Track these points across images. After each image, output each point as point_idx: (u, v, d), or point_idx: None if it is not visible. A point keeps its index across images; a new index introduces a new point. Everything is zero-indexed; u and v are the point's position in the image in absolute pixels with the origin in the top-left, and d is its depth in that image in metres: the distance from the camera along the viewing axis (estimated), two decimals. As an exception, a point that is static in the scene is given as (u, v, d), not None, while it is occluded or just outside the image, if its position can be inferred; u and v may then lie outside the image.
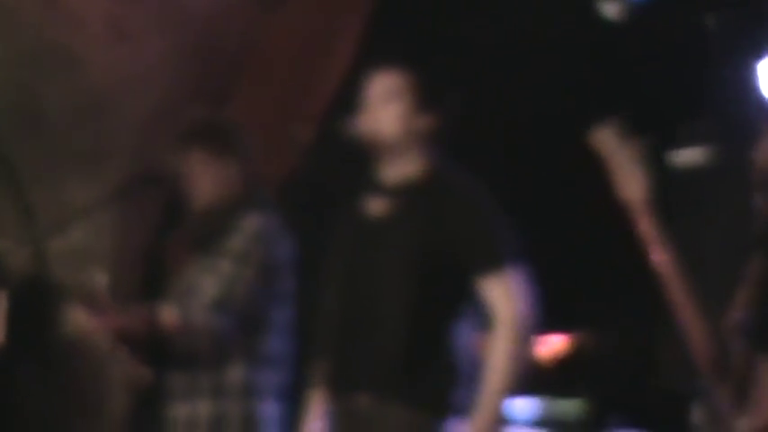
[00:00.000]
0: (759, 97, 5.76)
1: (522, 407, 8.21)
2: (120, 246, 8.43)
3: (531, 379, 6.80)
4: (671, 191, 8.12)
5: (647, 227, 5.02)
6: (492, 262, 5.45)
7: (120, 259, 8.37)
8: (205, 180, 6.65)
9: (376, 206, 5.74)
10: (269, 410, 6.55)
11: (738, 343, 5.01)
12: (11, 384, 7.99)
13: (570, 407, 8.28)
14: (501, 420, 5.51)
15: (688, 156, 6.37)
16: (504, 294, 5.41)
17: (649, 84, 8.54)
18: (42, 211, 8.58)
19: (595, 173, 5.49)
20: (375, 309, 5.56)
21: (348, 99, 6.19)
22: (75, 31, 8.34)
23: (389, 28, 8.19)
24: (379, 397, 5.50)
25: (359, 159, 5.95)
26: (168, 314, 6.21)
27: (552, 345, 8.72)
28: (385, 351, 5.47)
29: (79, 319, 8.47)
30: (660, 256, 4.99)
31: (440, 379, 5.52)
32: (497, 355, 5.37)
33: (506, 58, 8.93)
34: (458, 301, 5.56)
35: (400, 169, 5.69)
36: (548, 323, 7.66)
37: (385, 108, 5.62)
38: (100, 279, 6.61)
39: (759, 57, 5.88)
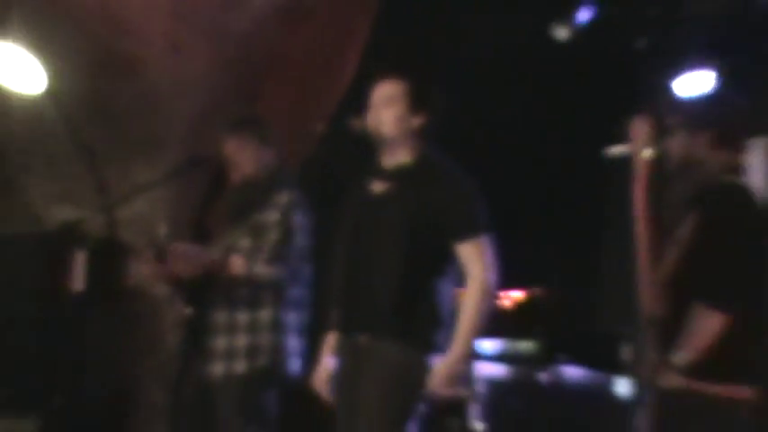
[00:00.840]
0: (675, 104, 5.78)
1: (489, 345, 8.26)
2: (174, 214, 8.34)
3: (496, 324, 6.89)
4: (606, 175, 8.30)
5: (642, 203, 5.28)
6: (467, 231, 5.58)
7: (174, 225, 8.04)
8: (243, 161, 6.74)
9: (377, 186, 5.83)
10: (292, 344, 6.59)
11: (670, 291, 5.09)
12: (87, 324, 7.84)
13: (526, 346, 8.26)
14: (471, 355, 5.62)
15: (618, 149, 6.35)
16: (476, 257, 5.54)
17: (590, 92, 8.54)
18: (113, 187, 8.44)
19: (548, 166, 5.53)
20: (373, 266, 5.67)
21: (353, 100, 6.22)
22: (139, 44, 8.27)
23: (387, 43, 8.15)
24: (375, 336, 5.61)
25: (361, 150, 6.00)
26: (239, 262, 6.36)
27: (512, 297, 8.71)
28: (380, 300, 5.57)
29: (141, 272, 8.65)
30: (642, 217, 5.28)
31: (424, 322, 5.60)
32: (469, 304, 5.52)
33: (477, 72, 8.87)
34: (440, 261, 5.64)
35: (397, 157, 5.78)
36: (510, 280, 7.72)
37: (386, 110, 5.71)
38: (164, 232, 6.59)
39: (677, 72, 5.89)
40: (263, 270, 6.43)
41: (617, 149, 5.67)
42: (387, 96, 5.77)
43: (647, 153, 5.38)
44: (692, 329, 4.97)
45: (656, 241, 5.26)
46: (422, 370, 5.58)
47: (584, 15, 8.53)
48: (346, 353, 5.85)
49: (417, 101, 5.77)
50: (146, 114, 8.69)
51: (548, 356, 8.00)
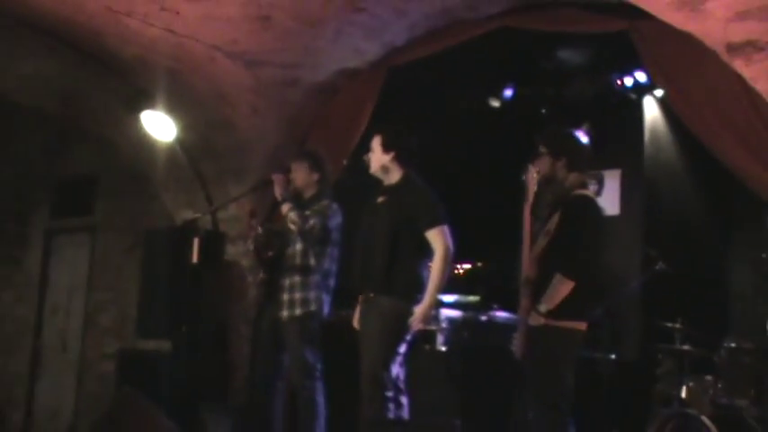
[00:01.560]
0: (542, 137, 6.09)
1: (448, 298, 8.12)
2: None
3: (453, 284, 7.17)
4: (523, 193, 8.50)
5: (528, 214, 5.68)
6: (432, 222, 6.05)
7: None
8: (300, 179, 6.95)
9: (380, 198, 6.30)
10: (326, 298, 6.83)
11: (540, 263, 5.62)
12: (201, 284, 8.13)
13: (472, 298, 8.27)
14: (437, 304, 6.16)
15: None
16: (440, 239, 6.02)
17: (511, 137, 8.72)
18: (215, 197, 8.88)
19: (485, 185, 5.85)
20: (375, 249, 6.14)
21: (365, 145, 6.67)
22: (233, 109, 8.42)
23: (385, 109, 8.14)
24: (376, 292, 6.11)
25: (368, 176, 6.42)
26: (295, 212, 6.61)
27: (464, 267, 8.71)
28: (378, 270, 6.08)
29: (231, 251, 8.91)
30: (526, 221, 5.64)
31: (407, 283, 6.05)
32: (435, 271, 6.00)
33: (443, 126, 8.99)
34: (416, 243, 6.05)
35: (390, 179, 6.29)
36: (462, 257, 8.01)
37: (372, 154, 6.32)
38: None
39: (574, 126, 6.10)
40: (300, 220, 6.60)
41: (527, 176, 6.05)
42: (372, 146, 6.34)
43: (534, 188, 5.75)
44: (551, 290, 5.44)
45: (532, 233, 5.70)
46: (406, 314, 5.98)
47: (508, 92, 8.92)
48: (362, 303, 6.27)
49: (386, 145, 6.26)
50: (237, 153, 8.71)
51: (486, 305, 8.09)
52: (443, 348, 7.83)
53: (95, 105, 9.31)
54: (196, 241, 7.79)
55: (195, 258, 7.82)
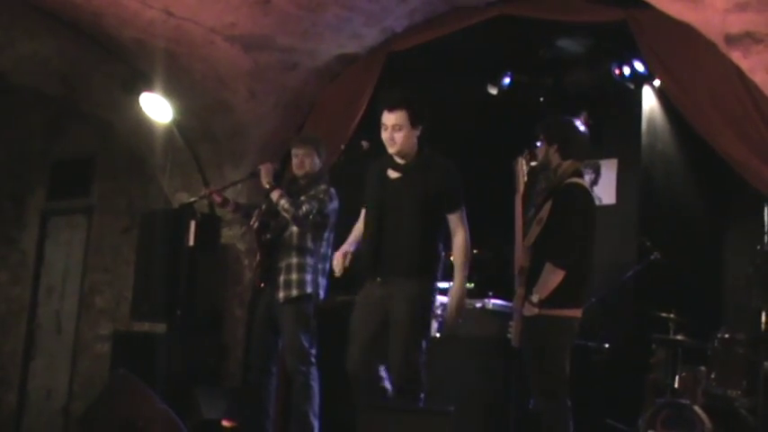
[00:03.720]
0: (539, 125, 6.08)
1: (445, 284, 8.26)
2: (249, 197, 8.34)
3: (447, 271, 7.08)
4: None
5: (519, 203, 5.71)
6: (455, 206, 5.77)
7: (250, 204, 7.98)
8: (308, 164, 6.94)
9: (392, 174, 5.86)
10: (322, 281, 6.83)
11: (533, 252, 5.68)
12: (196, 267, 8.15)
13: (468, 284, 8.27)
14: (465, 293, 5.81)
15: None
16: (459, 223, 5.75)
17: (509, 125, 8.80)
18: (212, 181, 8.79)
19: (483, 173, 5.86)
20: (401, 229, 5.73)
21: (361, 130, 6.75)
22: (231, 93, 8.41)
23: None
24: (403, 275, 5.68)
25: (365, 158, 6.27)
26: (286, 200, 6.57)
27: None
28: (407, 250, 5.69)
29: (228, 235, 8.94)
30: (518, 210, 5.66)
31: (432, 262, 5.79)
32: (460, 255, 5.75)
33: (444, 112, 8.90)
34: (440, 224, 5.77)
35: (407, 156, 5.80)
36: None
37: (397, 132, 5.72)
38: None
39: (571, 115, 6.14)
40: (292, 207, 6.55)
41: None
42: (396, 123, 5.72)
43: (524, 178, 5.83)
44: (542, 279, 5.52)
45: (525, 221, 5.77)
46: (432, 293, 5.82)
47: (506, 80, 8.90)
48: (380, 287, 5.79)
49: (416, 120, 5.74)
50: (234, 136, 8.72)
51: (481, 292, 8.01)
52: (438, 335, 7.62)
53: (93, 87, 9.31)
54: (192, 224, 7.78)
55: (191, 241, 7.80)
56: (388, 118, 5.78)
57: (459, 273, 5.79)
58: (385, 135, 5.81)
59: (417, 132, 5.80)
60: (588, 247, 5.72)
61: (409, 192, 5.79)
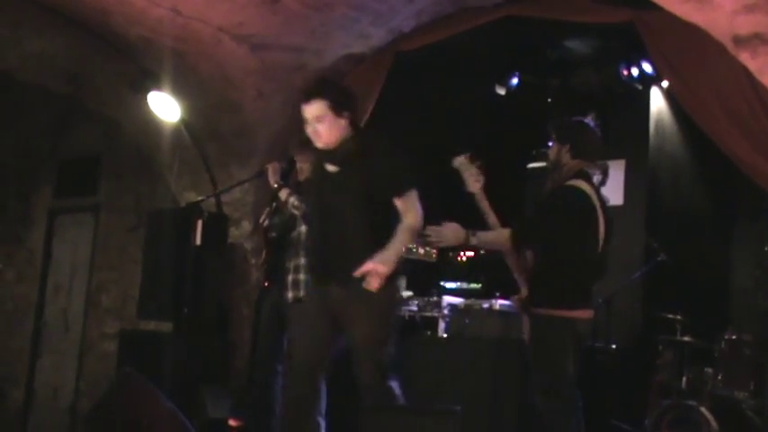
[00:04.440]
0: (551, 124, 6.11)
1: (451, 285, 8.32)
2: (257, 198, 8.58)
3: (454, 271, 7.06)
4: (529, 181, 8.48)
5: (482, 201, 5.68)
6: (399, 189, 5.22)
7: (257, 202, 8.56)
8: (302, 171, 6.77)
9: (331, 167, 5.41)
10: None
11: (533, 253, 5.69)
12: (203, 266, 8.16)
13: (474, 285, 8.41)
14: (396, 260, 5.15)
15: (536, 164, 6.56)
16: (409, 206, 5.19)
17: (516, 125, 8.86)
18: (219, 181, 8.87)
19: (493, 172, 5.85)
20: (347, 226, 5.29)
21: (370, 127, 6.67)
22: (239, 92, 8.41)
23: (391, 94, 8.12)
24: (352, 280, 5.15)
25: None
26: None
27: (467, 254, 8.59)
28: (357, 248, 5.17)
29: (235, 234, 8.93)
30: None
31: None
32: (400, 235, 5.12)
33: (455, 111, 9.10)
34: (389, 213, 5.22)
35: (340, 145, 5.33)
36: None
37: (320, 124, 5.29)
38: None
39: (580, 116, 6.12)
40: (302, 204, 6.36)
41: (533, 165, 6.10)
42: (316, 114, 5.30)
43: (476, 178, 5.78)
44: (497, 233, 5.64)
45: None
46: (392, 289, 5.35)
47: (513, 81, 8.93)
48: (335, 291, 5.37)
49: (338, 108, 5.29)
50: (241, 135, 8.71)
51: (487, 292, 8.08)
52: (445, 335, 7.85)
53: (101, 85, 9.32)
54: (199, 223, 7.82)
55: (198, 240, 7.84)
56: (307, 111, 5.38)
57: (391, 246, 5.17)
58: (309, 130, 5.41)
59: (344, 120, 5.34)
60: (584, 249, 5.64)
61: (349, 184, 5.34)
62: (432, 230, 5.56)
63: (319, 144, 5.41)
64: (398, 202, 5.24)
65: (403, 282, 8.87)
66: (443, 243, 5.68)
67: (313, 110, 5.34)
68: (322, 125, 5.32)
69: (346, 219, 5.31)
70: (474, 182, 5.71)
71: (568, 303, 5.58)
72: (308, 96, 5.38)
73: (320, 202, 5.48)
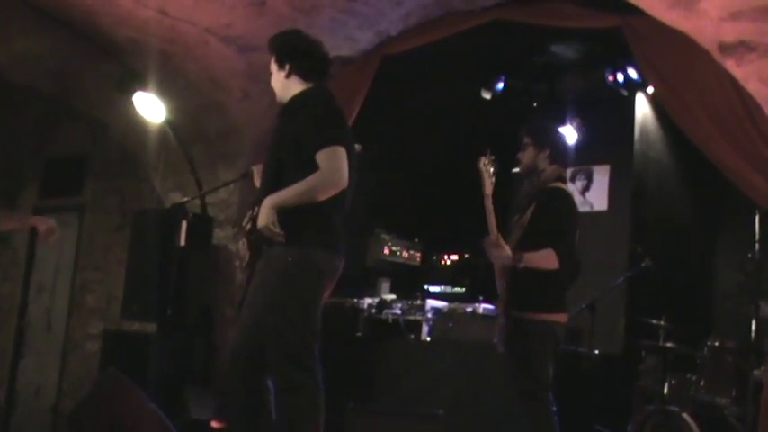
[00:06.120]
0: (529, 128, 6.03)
1: (435, 288, 8.32)
2: (242, 198, 8.54)
3: (439, 275, 7.03)
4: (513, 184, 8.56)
5: (489, 204, 5.61)
6: (316, 144, 4.77)
7: (242, 204, 8.50)
8: None
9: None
10: None
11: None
12: (187, 267, 8.20)
13: (458, 289, 8.47)
14: (287, 201, 4.77)
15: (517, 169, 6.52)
16: (323, 161, 4.75)
17: (502, 128, 8.80)
18: (205, 182, 8.81)
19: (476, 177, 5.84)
20: (265, 187, 4.93)
21: (356, 129, 6.61)
22: (224, 93, 8.41)
23: (378, 98, 8.14)
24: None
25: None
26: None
27: (451, 258, 8.65)
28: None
29: (219, 235, 8.87)
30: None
31: (296, 222, 4.79)
32: (304, 181, 4.74)
33: (441, 115, 9.17)
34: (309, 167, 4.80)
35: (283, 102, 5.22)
36: (450, 249, 7.93)
37: (272, 78, 5.30)
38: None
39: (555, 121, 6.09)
40: None
41: (518, 169, 6.07)
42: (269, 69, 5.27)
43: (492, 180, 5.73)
44: (538, 254, 5.51)
45: (504, 225, 5.74)
46: (300, 263, 4.84)
47: (499, 85, 8.96)
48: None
49: (279, 61, 5.22)
50: (227, 137, 8.71)
51: (471, 296, 8.16)
52: (428, 338, 7.90)
53: (87, 85, 9.28)
54: (184, 224, 7.85)
55: (183, 241, 7.87)
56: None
57: (289, 190, 4.85)
58: None
59: (283, 72, 5.21)
60: (571, 252, 5.70)
61: (281, 139, 5.12)
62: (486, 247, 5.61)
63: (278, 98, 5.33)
64: (318, 157, 4.85)
65: (387, 284, 9.06)
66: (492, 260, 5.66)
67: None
68: (271, 78, 5.32)
69: (266, 177, 5.10)
70: (489, 184, 5.70)
71: (551, 307, 5.61)
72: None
73: (265, 158, 5.25)
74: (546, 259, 5.53)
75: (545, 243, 5.56)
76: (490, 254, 5.64)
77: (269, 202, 4.82)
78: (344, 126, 5.16)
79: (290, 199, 4.82)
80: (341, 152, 4.86)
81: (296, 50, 5.25)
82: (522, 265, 5.51)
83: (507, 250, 5.55)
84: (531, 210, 5.72)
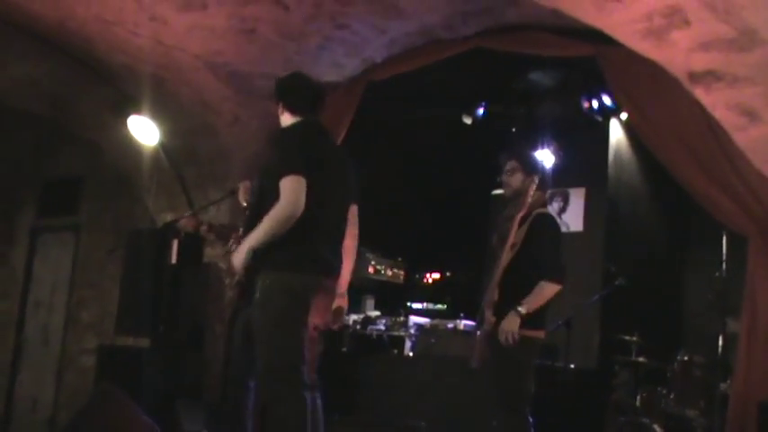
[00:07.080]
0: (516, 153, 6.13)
1: (417, 305, 8.29)
2: (231, 218, 8.27)
3: (421, 292, 7.00)
4: (492, 207, 8.57)
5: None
6: (278, 173, 4.79)
7: (231, 223, 7.94)
8: None
9: None
10: None
11: (504, 277, 5.61)
12: (179, 284, 8.21)
13: (440, 306, 8.45)
14: (253, 248, 4.92)
15: (500, 191, 6.53)
16: (285, 189, 4.80)
17: (482, 153, 8.80)
18: (196, 201, 8.85)
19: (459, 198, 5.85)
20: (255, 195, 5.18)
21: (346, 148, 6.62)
22: (216, 117, 8.46)
23: (363, 121, 8.19)
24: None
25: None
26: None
27: (433, 277, 8.66)
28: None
29: (210, 253, 8.83)
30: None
31: (273, 249, 4.91)
32: (264, 222, 4.87)
33: (424, 139, 9.20)
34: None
35: None
36: (432, 267, 7.91)
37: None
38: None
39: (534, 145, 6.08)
40: None
41: (498, 191, 6.09)
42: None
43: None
44: (536, 294, 5.49)
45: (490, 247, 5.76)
46: (302, 286, 5.01)
47: (480, 110, 8.97)
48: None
49: (276, 99, 5.36)
50: (218, 159, 8.75)
51: (453, 313, 8.14)
52: (411, 354, 7.90)
53: (83, 109, 9.31)
54: (175, 243, 7.85)
55: (174, 259, 7.88)
56: None
57: (255, 232, 4.94)
58: None
59: (280, 109, 5.37)
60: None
61: (263, 172, 5.24)
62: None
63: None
64: (280, 186, 4.89)
65: (371, 301, 9.05)
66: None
67: None
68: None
69: (262, 198, 5.10)
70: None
71: (536, 324, 5.60)
72: None
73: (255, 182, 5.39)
74: (547, 293, 5.55)
75: (535, 274, 5.55)
76: (500, 334, 5.57)
77: (245, 246, 4.97)
78: (316, 154, 5.06)
79: (261, 238, 4.90)
80: (296, 181, 4.86)
81: (285, 89, 5.40)
82: (525, 311, 5.50)
83: (513, 319, 5.52)
84: (518, 233, 5.67)
